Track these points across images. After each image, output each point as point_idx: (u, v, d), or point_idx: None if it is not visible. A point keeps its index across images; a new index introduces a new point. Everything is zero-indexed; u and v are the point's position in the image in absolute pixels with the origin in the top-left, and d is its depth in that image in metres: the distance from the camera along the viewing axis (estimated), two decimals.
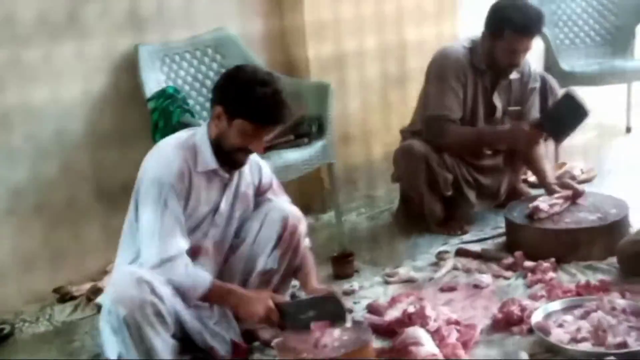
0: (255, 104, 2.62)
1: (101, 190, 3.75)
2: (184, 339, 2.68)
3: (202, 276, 2.68)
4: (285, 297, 3.00)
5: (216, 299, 2.74)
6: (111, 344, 2.64)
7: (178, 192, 2.64)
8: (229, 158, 2.74)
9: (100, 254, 3.61)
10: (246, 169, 2.88)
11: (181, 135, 2.80)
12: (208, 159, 2.72)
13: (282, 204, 2.98)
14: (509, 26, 3.67)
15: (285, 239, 2.91)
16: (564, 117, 3.64)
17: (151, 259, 2.61)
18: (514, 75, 3.93)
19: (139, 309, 2.49)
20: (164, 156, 2.70)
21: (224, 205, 2.83)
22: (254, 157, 2.88)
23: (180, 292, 2.63)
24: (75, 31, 3.65)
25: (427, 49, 4.18)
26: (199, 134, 2.75)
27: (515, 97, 4.00)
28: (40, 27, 3.53)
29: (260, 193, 2.97)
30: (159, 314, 2.53)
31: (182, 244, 2.65)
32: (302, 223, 2.97)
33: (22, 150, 3.55)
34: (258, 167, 2.96)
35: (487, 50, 3.80)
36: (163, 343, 2.56)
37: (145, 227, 2.65)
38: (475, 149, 3.95)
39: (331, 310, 2.68)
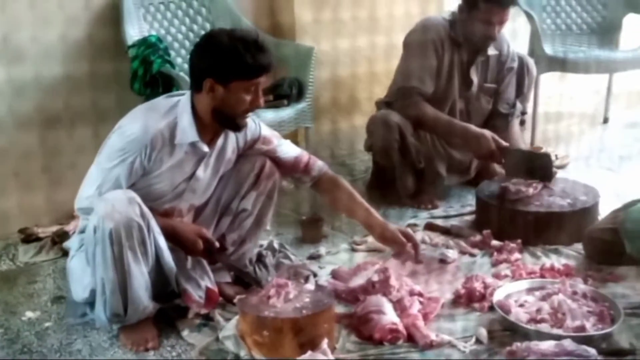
0: (244, 60, 2.59)
1: (71, 135, 3.74)
2: (154, 288, 2.70)
3: None
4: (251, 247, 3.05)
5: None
6: (83, 282, 2.69)
7: (138, 162, 2.62)
8: (235, 124, 2.72)
9: (68, 197, 3.57)
10: (232, 134, 2.85)
11: (163, 104, 2.75)
12: (187, 132, 2.68)
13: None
14: None
15: (262, 180, 2.94)
16: (528, 167, 3.60)
17: (89, 193, 2.65)
18: (492, 52, 3.94)
19: (126, 227, 2.51)
20: (141, 122, 2.66)
21: (201, 173, 2.81)
22: None
23: None
24: None
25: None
26: (180, 106, 2.71)
27: (492, 74, 4.01)
28: None
29: (248, 148, 2.95)
30: (142, 242, 2.57)
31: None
32: (278, 172, 3.00)
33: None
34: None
35: (463, 23, 3.79)
36: (140, 273, 2.59)
37: (94, 173, 2.67)
38: (437, 133, 3.93)
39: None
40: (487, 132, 3.74)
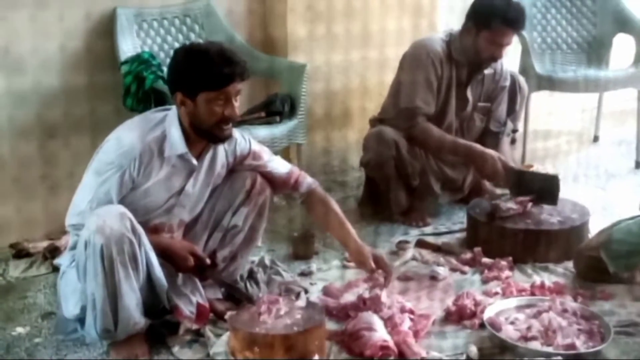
0: (205, 70, 2.60)
1: (69, 145, 3.76)
2: (145, 304, 2.69)
3: None
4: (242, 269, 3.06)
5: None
6: (73, 298, 2.67)
7: (127, 175, 2.63)
8: (213, 136, 2.72)
9: (61, 213, 3.57)
10: (221, 149, 2.86)
11: (152, 117, 2.77)
12: (176, 144, 2.70)
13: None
14: (498, 19, 3.66)
15: (254, 196, 2.93)
16: (536, 190, 3.60)
17: (80, 209, 2.64)
18: (487, 71, 3.95)
19: (117, 242, 2.50)
20: (129, 135, 2.68)
21: (190, 188, 2.81)
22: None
23: None
24: None
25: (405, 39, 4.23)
26: (168, 120, 2.72)
27: (486, 93, 4.03)
28: None
29: (238, 163, 2.95)
30: (134, 258, 2.56)
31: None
32: (269, 188, 2.99)
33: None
34: (233, 142, 2.90)
35: (469, 43, 3.79)
36: (131, 289, 2.57)
37: (84, 189, 2.67)
38: (441, 153, 3.95)
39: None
40: (493, 152, 3.76)
